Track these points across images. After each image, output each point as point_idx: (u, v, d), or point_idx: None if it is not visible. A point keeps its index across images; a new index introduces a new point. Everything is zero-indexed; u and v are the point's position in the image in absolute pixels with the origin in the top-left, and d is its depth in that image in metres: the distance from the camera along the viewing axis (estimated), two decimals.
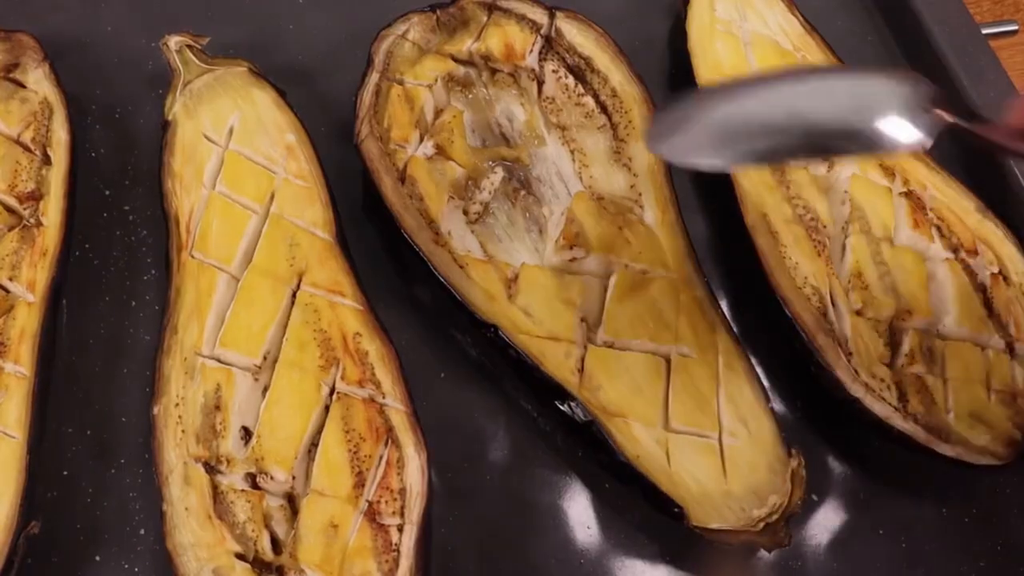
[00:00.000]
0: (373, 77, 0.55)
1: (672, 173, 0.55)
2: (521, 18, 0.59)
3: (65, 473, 0.49)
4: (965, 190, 0.57)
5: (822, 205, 0.55)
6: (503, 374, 0.53)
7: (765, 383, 0.50)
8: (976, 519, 0.52)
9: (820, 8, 0.66)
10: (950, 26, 0.64)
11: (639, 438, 0.47)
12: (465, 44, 0.57)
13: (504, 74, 0.58)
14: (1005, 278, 0.54)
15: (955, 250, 0.55)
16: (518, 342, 0.49)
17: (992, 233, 0.55)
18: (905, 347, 0.51)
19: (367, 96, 0.54)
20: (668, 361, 0.50)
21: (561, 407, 0.48)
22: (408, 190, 0.53)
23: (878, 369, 0.50)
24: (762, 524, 0.45)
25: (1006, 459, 0.49)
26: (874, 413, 0.49)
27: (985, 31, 0.66)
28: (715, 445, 0.47)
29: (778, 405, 0.50)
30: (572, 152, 0.56)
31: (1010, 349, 0.52)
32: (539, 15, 0.59)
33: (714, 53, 0.60)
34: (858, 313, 0.52)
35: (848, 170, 0.56)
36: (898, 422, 0.49)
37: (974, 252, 0.54)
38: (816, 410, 0.54)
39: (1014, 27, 0.69)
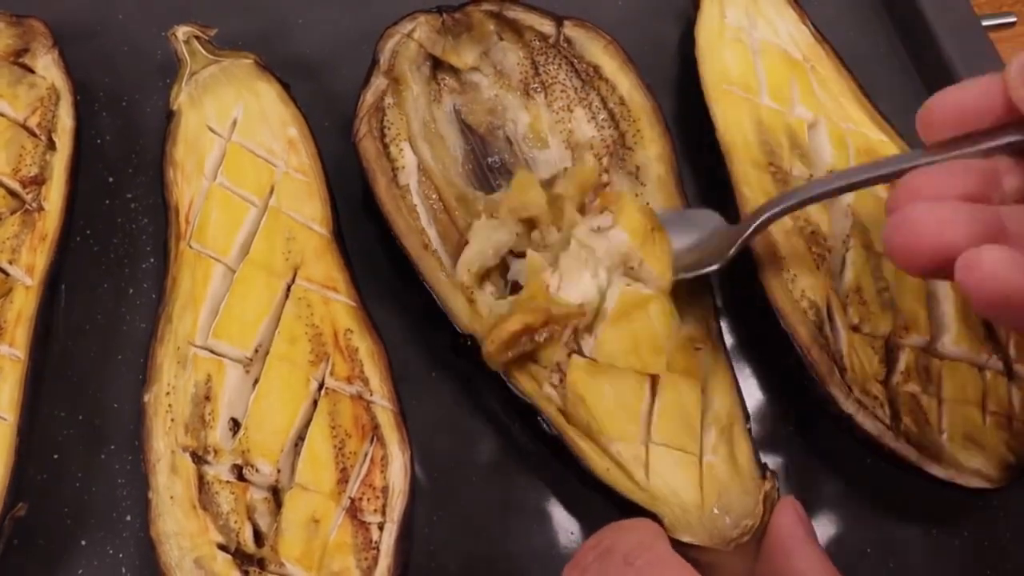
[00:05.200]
0: (377, 78, 0.55)
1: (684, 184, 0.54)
2: (528, 29, 0.58)
3: (55, 457, 0.49)
4: None
5: (824, 217, 0.54)
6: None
7: (756, 395, 0.49)
8: (966, 542, 0.51)
9: (831, 17, 0.65)
10: (951, 18, 0.65)
11: (612, 451, 0.47)
12: (471, 54, 0.57)
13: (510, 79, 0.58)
14: None
15: None
16: None
17: None
18: (901, 365, 0.50)
19: (369, 96, 0.54)
20: (652, 376, 0.48)
21: (532, 420, 0.48)
22: (402, 192, 0.53)
23: (872, 386, 0.50)
24: (733, 544, 0.45)
25: (999, 483, 0.48)
26: (866, 430, 0.48)
27: (984, 23, 0.66)
28: (693, 461, 0.47)
29: (769, 419, 0.49)
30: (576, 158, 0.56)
31: (1008, 371, 0.51)
32: (547, 26, 0.58)
33: (721, 61, 0.59)
34: (854, 329, 0.51)
35: None
36: (890, 440, 0.48)
37: None
38: (807, 425, 0.53)
39: (1012, 19, 0.69)
